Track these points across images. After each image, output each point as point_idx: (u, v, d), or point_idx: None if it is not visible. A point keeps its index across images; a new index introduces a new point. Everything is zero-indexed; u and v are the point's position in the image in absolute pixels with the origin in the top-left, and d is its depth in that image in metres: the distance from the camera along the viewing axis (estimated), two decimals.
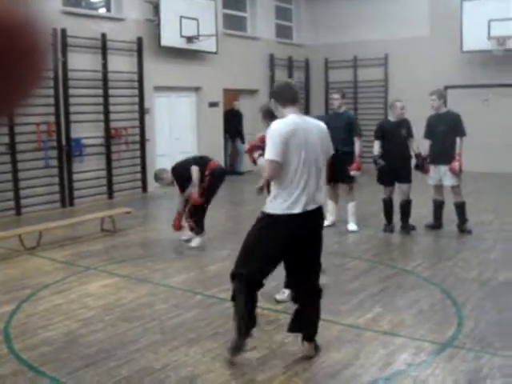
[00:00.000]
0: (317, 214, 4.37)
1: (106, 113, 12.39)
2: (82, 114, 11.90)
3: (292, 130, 4.18)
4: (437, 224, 8.95)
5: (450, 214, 8.95)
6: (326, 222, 9.20)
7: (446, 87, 14.96)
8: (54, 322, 5.39)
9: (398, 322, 5.31)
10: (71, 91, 11.66)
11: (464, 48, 15.87)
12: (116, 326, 5.29)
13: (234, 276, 4.41)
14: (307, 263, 4.47)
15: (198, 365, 4.50)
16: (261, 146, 4.65)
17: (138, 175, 13.46)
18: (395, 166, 8.81)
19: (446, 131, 8.55)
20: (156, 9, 13.32)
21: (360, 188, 10.52)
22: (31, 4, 1.11)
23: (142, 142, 13.39)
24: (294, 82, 4.70)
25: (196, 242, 8.03)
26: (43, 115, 11.32)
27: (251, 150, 4.83)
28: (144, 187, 13.52)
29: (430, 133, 8.81)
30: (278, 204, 4.25)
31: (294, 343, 4.79)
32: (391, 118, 9.05)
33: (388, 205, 9.08)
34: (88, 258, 7.66)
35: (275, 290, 6.17)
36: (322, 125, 4.47)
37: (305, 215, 4.23)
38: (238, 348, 4.43)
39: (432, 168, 8.78)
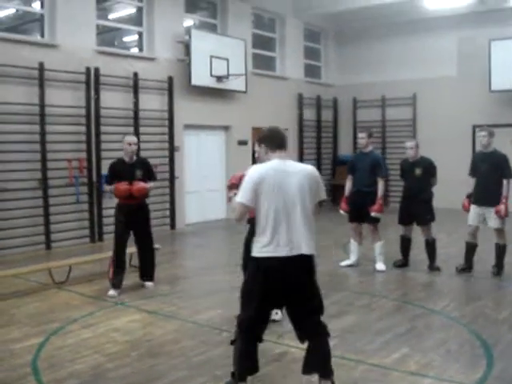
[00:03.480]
0: (298, 260, 4.31)
1: (137, 150, 12.55)
2: (113, 151, 12.07)
3: (263, 176, 4.28)
4: (467, 266, 8.75)
5: (480, 254, 8.85)
6: (347, 262, 9.31)
7: (475, 126, 14.94)
8: (81, 356, 5.43)
9: (426, 362, 5.24)
10: (103, 128, 11.89)
11: (492, 87, 15.90)
12: (142, 362, 5.31)
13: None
14: (301, 307, 4.42)
15: None
16: (238, 185, 4.64)
17: (167, 212, 13.57)
18: (410, 206, 8.92)
19: (490, 171, 8.30)
20: (187, 49, 13.61)
21: (386, 227, 10.49)
22: None
23: (171, 179, 13.54)
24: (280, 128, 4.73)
25: None
26: (75, 151, 11.58)
27: (230, 188, 4.87)
28: (172, 224, 13.62)
29: (474, 171, 8.63)
30: (256, 247, 4.37)
31: None
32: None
33: (404, 242, 9.25)
34: None
35: None
36: (311, 169, 4.50)
37: (281, 259, 4.26)
38: None
39: (473, 208, 8.50)
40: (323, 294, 7.59)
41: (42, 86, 10.89)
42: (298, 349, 5.54)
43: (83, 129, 11.67)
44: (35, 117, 10.87)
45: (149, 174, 7.97)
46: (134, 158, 7.88)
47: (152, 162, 12.69)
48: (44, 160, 10.95)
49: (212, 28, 15.28)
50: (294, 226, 4.30)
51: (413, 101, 17.76)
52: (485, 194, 8.36)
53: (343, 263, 9.37)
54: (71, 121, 11.52)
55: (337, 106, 19.27)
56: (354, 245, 9.33)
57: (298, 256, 4.29)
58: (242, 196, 4.33)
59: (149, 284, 7.98)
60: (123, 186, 7.61)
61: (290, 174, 4.35)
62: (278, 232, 4.27)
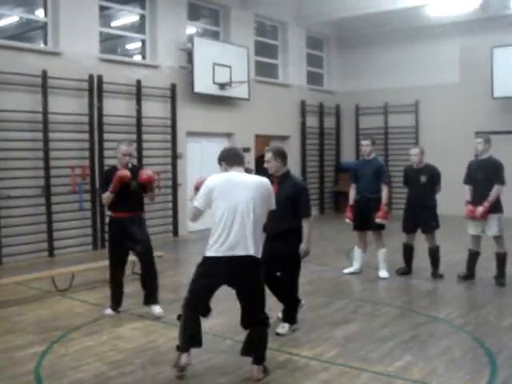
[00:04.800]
0: (242, 260, 4.89)
1: (140, 157, 12.59)
2: (116, 158, 12.09)
3: (216, 185, 4.96)
4: (469, 274, 8.72)
5: (483, 262, 8.82)
6: (351, 269, 9.29)
7: (477, 133, 14.91)
8: (84, 364, 5.43)
9: (430, 370, 5.23)
10: (106, 136, 11.91)
11: (495, 94, 15.91)
12: (146, 369, 5.30)
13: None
14: (246, 300, 5.09)
15: None
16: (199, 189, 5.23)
17: (170, 219, 13.57)
18: (414, 214, 8.89)
19: (485, 179, 8.28)
20: (190, 56, 13.64)
21: (390, 234, 10.47)
22: None
23: (174, 187, 13.55)
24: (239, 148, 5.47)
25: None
26: (78, 159, 11.60)
27: (197, 189, 5.29)
28: (175, 231, 13.62)
29: (469, 179, 8.60)
30: (208, 247, 5.00)
31: None
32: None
33: (406, 249, 9.22)
34: None
35: (303, 336, 6.16)
36: (262, 181, 5.11)
37: (226, 259, 4.88)
38: (176, 363, 5.05)
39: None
40: (326, 302, 7.60)
41: (45, 94, 10.92)
42: (300, 357, 5.56)
43: (86, 136, 11.69)
44: (38, 124, 10.89)
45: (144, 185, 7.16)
46: (130, 165, 7.21)
47: (154, 169, 12.81)
48: (47, 167, 10.97)
49: (214, 35, 15.32)
50: (242, 230, 4.87)
51: (415, 108, 17.77)
52: (482, 201, 8.27)
53: (346, 270, 9.36)
54: (74, 128, 11.54)
55: (339, 113, 19.28)
56: (357, 252, 9.32)
57: (243, 256, 4.88)
58: (197, 200, 5.03)
59: (155, 308, 7.10)
60: (124, 170, 6.96)
61: (241, 184, 4.97)
62: (226, 234, 4.87)
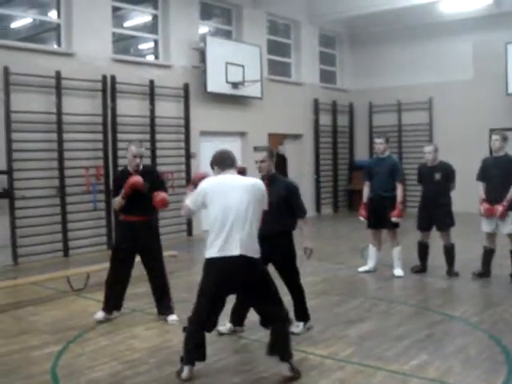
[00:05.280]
0: (238, 261, 4.86)
1: (153, 157, 12.63)
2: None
3: (210, 188, 5.05)
4: (485, 271, 8.68)
5: (499, 260, 8.77)
6: (365, 268, 9.25)
7: (491, 130, 14.81)
8: (100, 363, 5.45)
9: (446, 369, 5.19)
10: (119, 136, 11.95)
11: (509, 91, 15.83)
12: (161, 369, 5.31)
13: None
14: (255, 300, 5.14)
15: None
16: (195, 183, 5.43)
17: (183, 219, 13.57)
18: (429, 212, 8.83)
19: (501, 176, 8.21)
20: (202, 56, 13.66)
21: (405, 232, 10.43)
22: None
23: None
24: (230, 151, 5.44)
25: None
26: (92, 159, 11.65)
27: (194, 183, 5.49)
28: (189, 231, 13.64)
29: (484, 176, 8.53)
30: (207, 248, 5.00)
31: None
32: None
33: (421, 248, 9.16)
34: (134, 300, 7.67)
35: (318, 335, 6.15)
36: (255, 182, 5.10)
37: (225, 259, 4.86)
38: (178, 373, 5.02)
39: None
40: (341, 300, 7.58)
41: (58, 95, 10.98)
42: (315, 355, 5.55)
43: (100, 136, 11.74)
44: (52, 125, 10.95)
45: (157, 185, 6.85)
46: (140, 167, 6.87)
47: (168, 168, 12.85)
48: (61, 168, 11.03)
49: (227, 35, 15.33)
50: (236, 232, 4.87)
51: (429, 105, 17.69)
52: (497, 199, 8.24)
53: (361, 269, 9.33)
54: (88, 129, 11.59)
55: (352, 111, 19.23)
56: (372, 250, 9.28)
57: (238, 257, 4.84)
58: (191, 200, 5.21)
59: (171, 318, 6.84)
60: (136, 177, 6.66)
61: (235, 186, 5.01)
62: (221, 236, 4.88)
